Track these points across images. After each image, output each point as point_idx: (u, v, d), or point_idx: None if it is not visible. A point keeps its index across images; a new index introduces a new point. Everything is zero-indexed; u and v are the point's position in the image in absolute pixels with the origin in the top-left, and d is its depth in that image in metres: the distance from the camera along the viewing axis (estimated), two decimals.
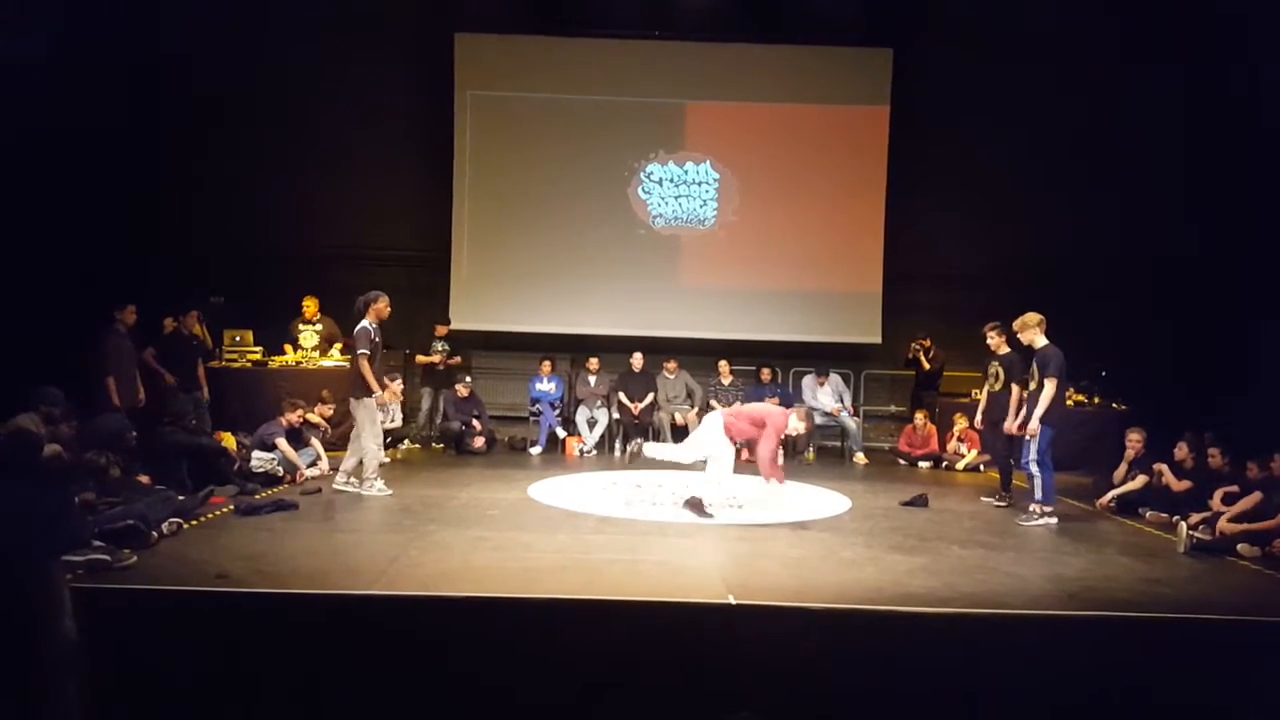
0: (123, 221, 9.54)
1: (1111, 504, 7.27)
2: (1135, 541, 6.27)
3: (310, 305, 9.54)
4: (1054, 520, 6.59)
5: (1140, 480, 7.26)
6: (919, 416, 9.70)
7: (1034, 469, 6.64)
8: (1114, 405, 9.36)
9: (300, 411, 7.84)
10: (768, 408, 7.21)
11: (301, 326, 9.49)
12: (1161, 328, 9.72)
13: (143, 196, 10.01)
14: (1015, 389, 7.19)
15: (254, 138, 10.59)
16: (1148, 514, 6.97)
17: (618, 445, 9.77)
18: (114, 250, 9.15)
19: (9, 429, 4.89)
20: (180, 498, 5.95)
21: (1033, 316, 6.82)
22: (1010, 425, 6.94)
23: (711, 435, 6.84)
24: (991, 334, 7.39)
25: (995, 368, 7.38)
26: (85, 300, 7.93)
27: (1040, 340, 6.76)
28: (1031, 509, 6.64)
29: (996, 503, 7.27)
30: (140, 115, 9.82)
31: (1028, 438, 6.66)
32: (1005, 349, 7.35)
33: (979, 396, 7.86)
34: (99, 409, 7.01)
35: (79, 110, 8.60)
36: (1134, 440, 7.46)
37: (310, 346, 9.40)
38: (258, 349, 9.28)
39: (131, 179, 9.77)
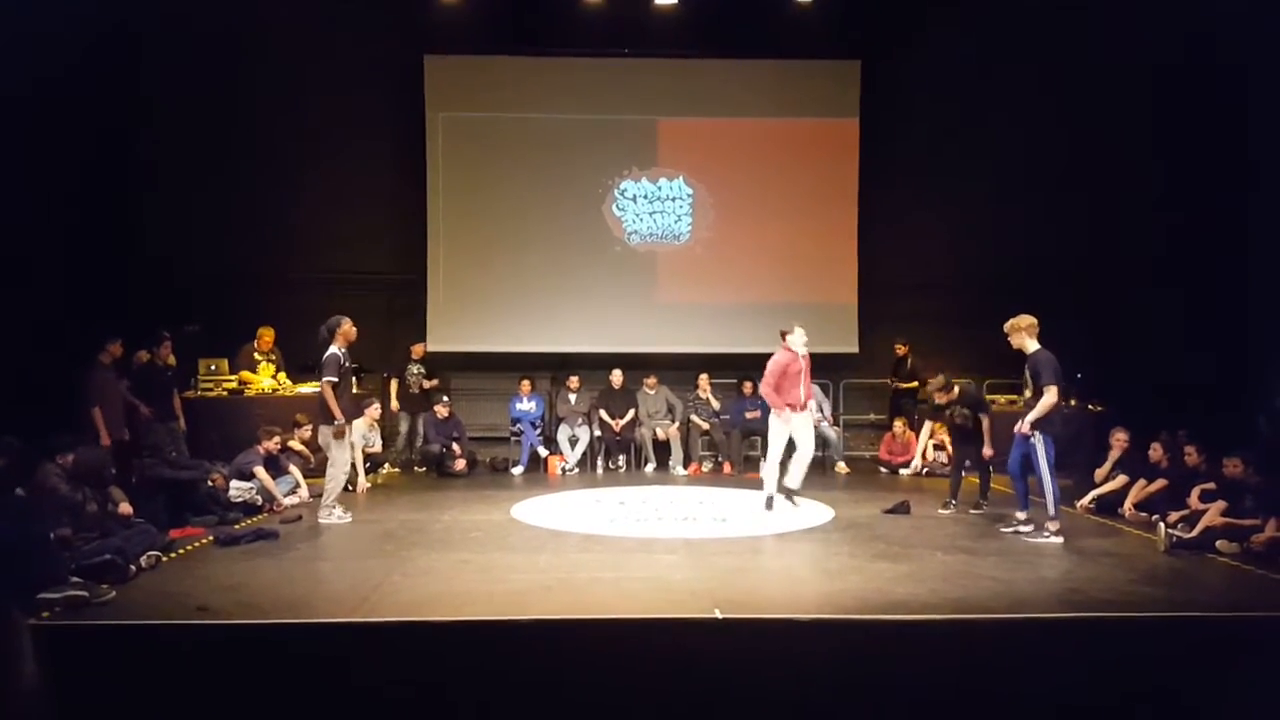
0: (95, 252, 9.42)
1: (1091, 505, 7.34)
2: (1116, 542, 6.33)
3: (266, 335, 9.39)
4: (1060, 539, 6.19)
5: (1120, 480, 7.34)
6: (898, 424, 9.78)
7: (1046, 480, 6.20)
8: (1090, 407, 9.46)
9: (277, 439, 7.76)
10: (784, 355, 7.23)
11: (257, 356, 9.34)
12: (1134, 328, 9.83)
13: (112, 226, 9.89)
14: (985, 420, 7.28)
15: (224, 164, 10.52)
16: (1127, 513, 7.04)
17: (599, 462, 9.76)
18: (89, 280, 9.05)
19: None
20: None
21: (1024, 319, 6.41)
22: (1024, 428, 6.32)
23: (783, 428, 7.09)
24: (938, 397, 7.44)
25: (960, 411, 7.38)
26: (66, 333, 7.84)
27: (1031, 345, 6.36)
28: (1046, 525, 6.27)
29: (941, 510, 7.31)
30: (108, 143, 9.73)
31: (1023, 437, 6.33)
32: (947, 397, 7.39)
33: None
34: (83, 442, 6.90)
35: (47, 137, 8.52)
36: (1119, 439, 7.53)
37: (268, 376, 9.27)
38: (233, 378, 9.18)
39: (101, 207, 9.67)
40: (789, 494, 7.15)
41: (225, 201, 10.58)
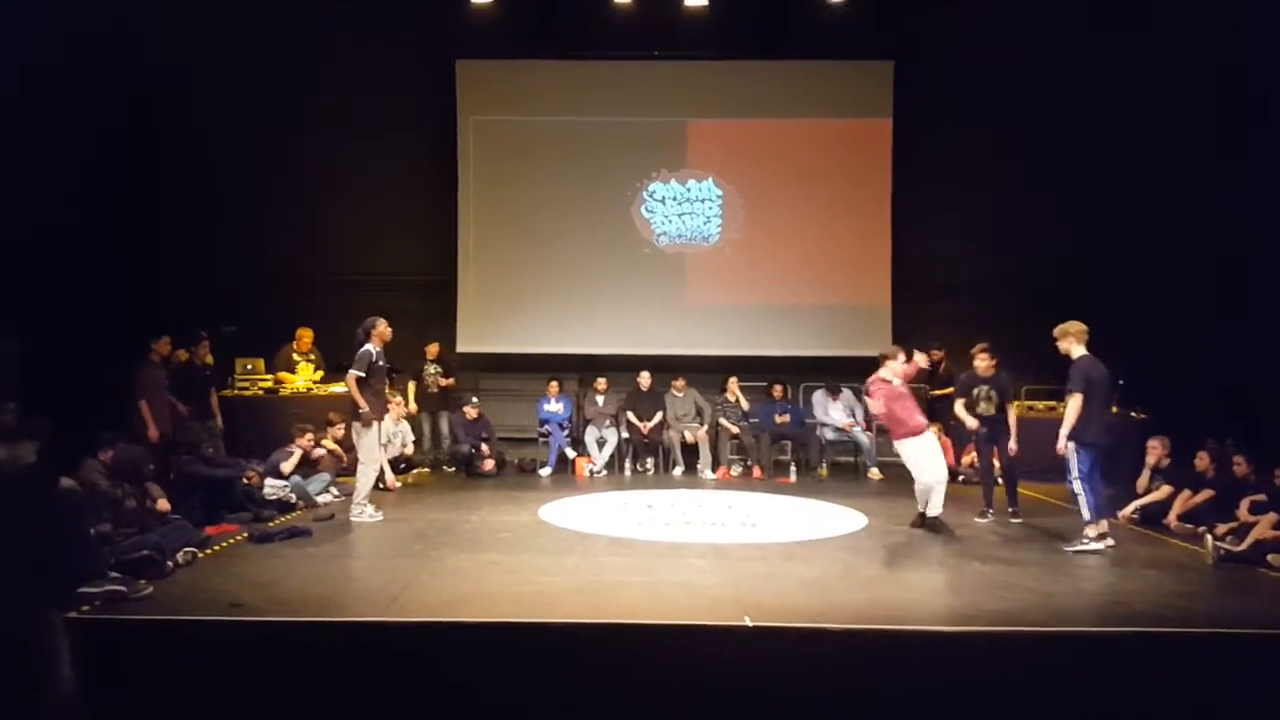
0: (135, 253, 9.58)
1: (1134, 515, 7.16)
2: (1161, 554, 6.16)
3: (306, 336, 9.49)
4: (1108, 543, 6.09)
5: (1164, 490, 7.15)
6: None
7: (1075, 487, 6.18)
8: (1133, 414, 9.25)
9: (311, 437, 7.83)
10: (880, 388, 6.81)
11: (296, 356, 9.43)
12: (1177, 334, 9.60)
13: (152, 229, 10.05)
14: (1012, 410, 7.13)
15: (258, 168, 10.65)
16: (1173, 525, 6.87)
17: (627, 465, 9.72)
18: (130, 281, 9.20)
19: (20, 464, 4.88)
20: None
21: (1073, 325, 6.34)
22: (1061, 444, 6.23)
23: (912, 453, 6.67)
24: (982, 355, 7.21)
25: (985, 391, 7.16)
26: (112, 332, 7.99)
27: (1077, 351, 6.29)
28: (1085, 532, 6.17)
29: (978, 519, 7.15)
30: (144, 149, 9.89)
31: (1066, 456, 6.23)
32: (992, 371, 7.19)
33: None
34: (125, 439, 7.01)
35: (89, 140, 8.68)
36: (1155, 448, 7.36)
37: (306, 377, 9.36)
38: (269, 377, 9.28)
39: (139, 212, 9.82)
40: (937, 526, 6.63)
41: (262, 204, 10.70)
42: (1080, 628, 4.50)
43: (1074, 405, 6.12)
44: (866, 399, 6.93)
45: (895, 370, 6.82)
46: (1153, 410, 9.10)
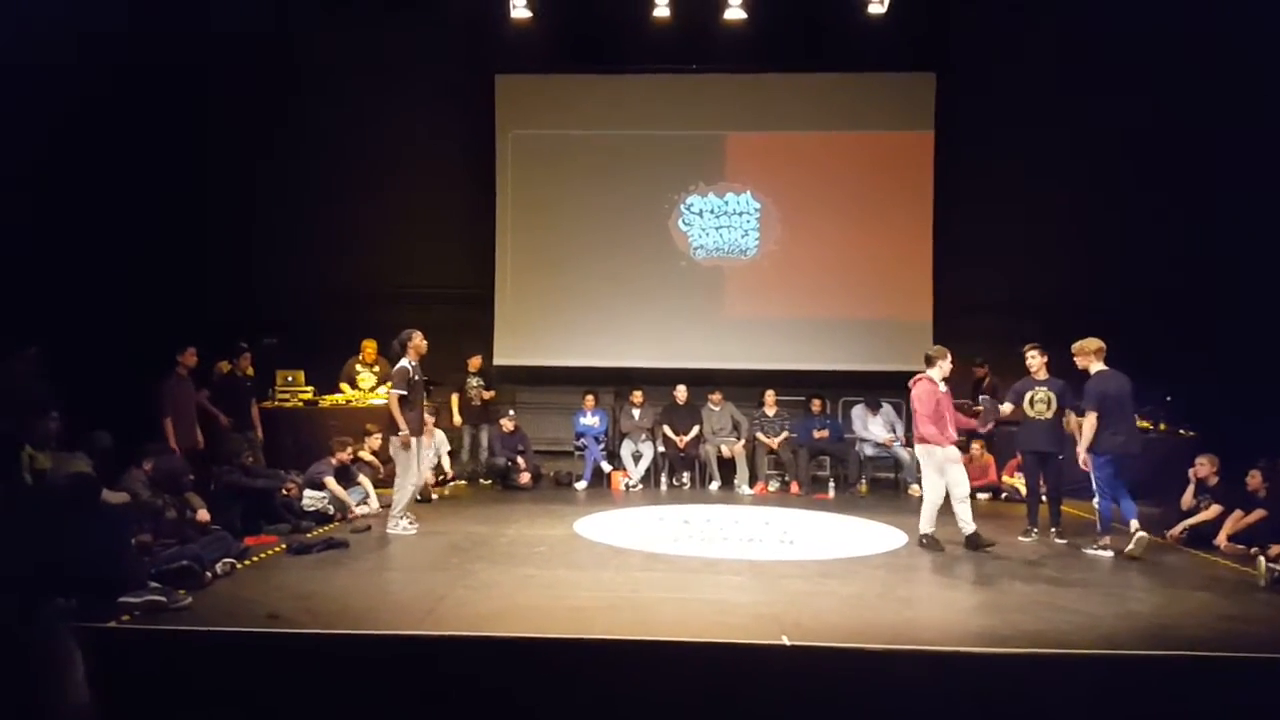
0: (176, 264, 9.79)
1: (1183, 535, 6.97)
2: (1211, 575, 5.99)
3: (370, 347, 9.59)
4: (1109, 553, 6.42)
5: (1213, 510, 6.95)
6: (975, 446, 9.41)
7: (1095, 501, 6.53)
8: (1181, 432, 9.02)
9: (350, 450, 7.90)
10: (926, 385, 6.72)
11: (359, 368, 9.57)
12: (1229, 350, 9.35)
13: (195, 240, 10.28)
14: (1072, 415, 6.98)
15: (300, 181, 10.82)
16: (1223, 545, 6.67)
17: (663, 479, 9.68)
18: (169, 292, 9.40)
19: (67, 475, 4.99)
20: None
21: (1092, 342, 6.61)
22: (1082, 455, 6.53)
23: (937, 462, 6.59)
24: (1032, 353, 7.07)
25: (1045, 393, 6.97)
26: (145, 342, 8.12)
27: (1095, 367, 6.55)
28: (1100, 539, 6.56)
29: (1022, 537, 6.99)
30: (189, 161, 10.12)
31: (1087, 469, 6.55)
32: (1046, 372, 7.05)
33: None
34: (165, 450, 7.13)
35: (130, 153, 8.88)
36: (1202, 464, 7.16)
37: (368, 388, 9.47)
38: (309, 389, 9.40)
39: (183, 222, 10.05)
40: (977, 544, 6.52)
41: (303, 218, 10.88)
42: (1127, 650, 4.37)
43: (1089, 424, 6.43)
44: (911, 389, 6.80)
45: (944, 371, 6.75)
46: (1202, 428, 8.85)
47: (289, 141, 10.78)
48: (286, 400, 9.31)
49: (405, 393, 6.89)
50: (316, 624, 4.55)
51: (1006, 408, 7.11)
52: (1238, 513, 6.79)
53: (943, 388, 6.73)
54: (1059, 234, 10.51)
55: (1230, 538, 6.71)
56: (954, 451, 6.65)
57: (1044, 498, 7.15)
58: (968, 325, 10.55)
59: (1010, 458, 9.02)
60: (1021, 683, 4.18)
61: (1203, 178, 9.80)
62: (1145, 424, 9.08)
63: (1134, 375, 6.71)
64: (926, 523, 6.65)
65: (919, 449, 6.74)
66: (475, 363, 10.00)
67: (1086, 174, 10.40)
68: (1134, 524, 6.36)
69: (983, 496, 9.05)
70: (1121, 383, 6.51)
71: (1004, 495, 8.98)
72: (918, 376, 6.79)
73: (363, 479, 7.89)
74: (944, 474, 6.59)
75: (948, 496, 6.61)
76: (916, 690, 4.14)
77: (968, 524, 6.58)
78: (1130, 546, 6.30)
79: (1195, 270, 9.88)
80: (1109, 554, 6.41)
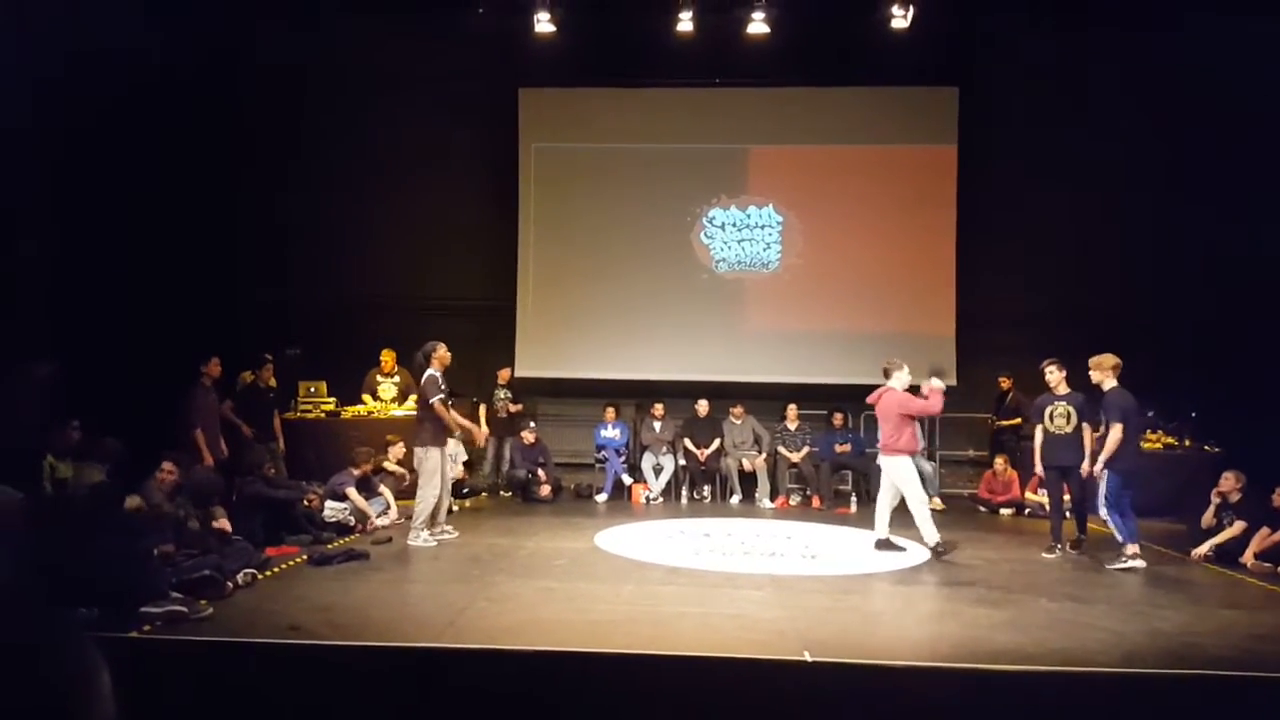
0: (202, 275, 9.91)
1: (1209, 553, 6.86)
2: (1237, 593, 5.90)
3: (388, 358, 9.66)
4: (1140, 563, 6.43)
5: (1239, 527, 6.83)
6: (999, 461, 9.34)
7: (1103, 513, 6.57)
8: (1206, 448, 8.89)
9: (373, 460, 7.93)
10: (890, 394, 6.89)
11: (380, 378, 9.63)
12: (1255, 365, 9.21)
13: (222, 251, 10.40)
14: (1088, 430, 6.93)
15: (325, 193, 10.94)
16: (1249, 564, 6.56)
17: (684, 492, 9.66)
18: (195, 303, 9.51)
19: (86, 484, 5.04)
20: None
21: (1109, 358, 6.70)
22: (1086, 467, 6.75)
23: (900, 472, 6.72)
24: (1051, 369, 7.08)
25: (1064, 408, 6.97)
26: (171, 353, 8.22)
27: (1109, 383, 6.66)
28: (1124, 550, 6.51)
29: (1046, 554, 6.91)
30: (212, 174, 10.24)
31: (1098, 480, 6.62)
32: (1066, 387, 7.06)
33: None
34: (192, 461, 7.20)
35: (154, 166, 9.02)
36: (1227, 479, 7.05)
37: (389, 399, 9.53)
38: (331, 400, 9.47)
39: (210, 233, 10.17)
40: (938, 550, 6.67)
41: (328, 229, 10.99)
42: (1152, 669, 4.30)
43: (1114, 435, 6.48)
44: (875, 402, 6.96)
45: (902, 382, 6.87)
46: (1227, 444, 8.72)
47: (314, 154, 10.89)
48: (309, 411, 9.37)
49: (445, 396, 6.96)
50: (337, 635, 4.57)
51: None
52: (1264, 530, 6.67)
53: (902, 392, 6.86)
54: (1082, 248, 10.42)
55: (1257, 555, 6.60)
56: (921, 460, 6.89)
57: (1068, 513, 7.08)
58: (992, 339, 10.48)
59: (1033, 474, 8.92)
60: (1048, 700, 4.12)
61: (1233, 191, 9.67)
62: (1170, 440, 8.99)
63: (1159, 390, 6.73)
64: (929, 533, 6.70)
65: (888, 460, 6.79)
66: (504, 375, 10.03)
67: (1109, 189, 10.32)
68: (1132, 548, 6.49)
69: (1006, 512, 8.99)
70: (1133, 402, 6.67)
71: (1027, 511, 8.88)
72: (883, 389, 6.92)
73: (384, 489, 7.92)
74: (907, 481, 6.70)
75: (902, 501, 6.78)
76: (941, 708, 4.09)
77: (883, 529, 6.87)
78: (1124, 566, 6.41)
79: (1224, 284, 9.76)
80: (1140, 564, 6.41)
